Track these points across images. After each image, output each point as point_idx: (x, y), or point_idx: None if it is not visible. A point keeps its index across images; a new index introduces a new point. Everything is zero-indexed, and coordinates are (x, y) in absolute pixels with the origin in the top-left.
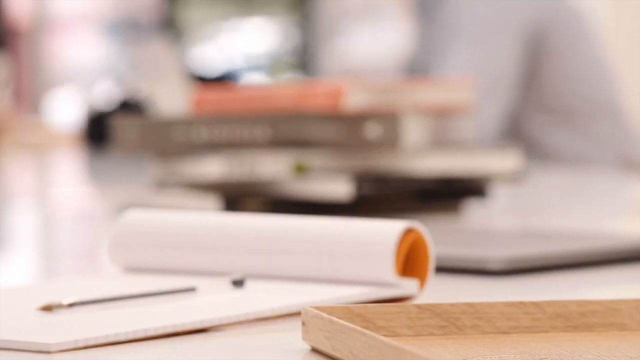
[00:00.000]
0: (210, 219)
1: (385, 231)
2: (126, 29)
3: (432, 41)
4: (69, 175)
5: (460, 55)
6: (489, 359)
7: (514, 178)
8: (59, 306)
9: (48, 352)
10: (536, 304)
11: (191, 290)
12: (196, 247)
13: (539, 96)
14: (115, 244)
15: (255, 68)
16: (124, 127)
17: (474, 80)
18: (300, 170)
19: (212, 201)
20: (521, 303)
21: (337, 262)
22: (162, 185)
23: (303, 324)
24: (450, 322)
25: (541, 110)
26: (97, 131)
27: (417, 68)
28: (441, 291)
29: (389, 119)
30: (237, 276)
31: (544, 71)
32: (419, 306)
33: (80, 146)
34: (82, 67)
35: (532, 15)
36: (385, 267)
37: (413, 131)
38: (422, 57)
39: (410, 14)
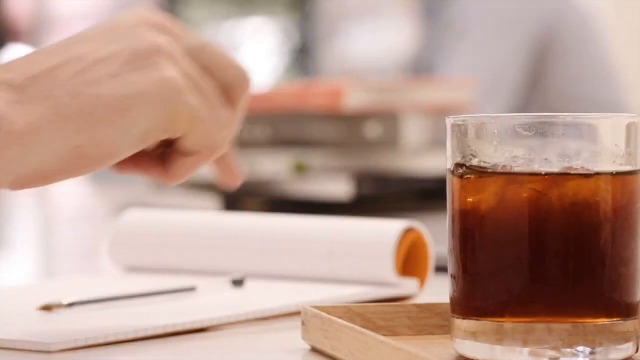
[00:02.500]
0: (210, 219)
1: (385, 231)
2: None
3: (437, 41)
4: None
5: (465, 56)
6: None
7: None
8: (59, 306)
9: (48, 352)
10: None
11: (191, 290)
12: (196, 247)
13: (543, 97)
14: (116, 244)
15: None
16: None
17: (477, 80)
18: (300, 170)
19: (212, 201)
20: None
21: (337, 261)
22: (162, 185)
23: (303, 323)
24: (450, 321)
25: (545, 112)
26: None
27: (421, 68)
28: (441, 291)
29: (389, 119)
30: (237, 276)
31: (549, 73)
32: (419, 306)
33: None
34: None
35: (539, 18)
36: (385, 267)
37: (413, 131)
38: (427, 57)
39: (415, 14)
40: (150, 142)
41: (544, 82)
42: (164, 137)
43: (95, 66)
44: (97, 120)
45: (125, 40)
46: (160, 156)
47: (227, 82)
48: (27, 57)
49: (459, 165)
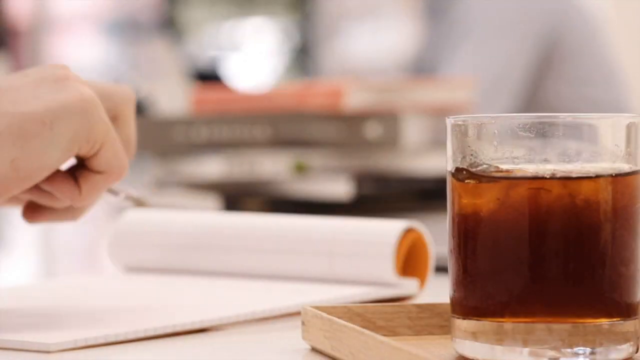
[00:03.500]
0: (211, 218)
1: (385, 231)
2: (126, 29)
3: (440, 40)
4: None
5: (468, 55)
6: None
7: None
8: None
9: (48, 352)
10: None
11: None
12: (196, 246)
13: (545, 98)
14: (115, 244)
15: (257, 68)
16: None
17: (478, 80)
18: (300, 170)
19: (212, 201)
20: None
21: (337, 261)
22: (162, 185)
23: (303, 323)
24: (450, 321)
25: (547, 112)
26: None
27: (424, 67)
28: (441, 291)
29: (389, 119)
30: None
31: (553, 74)
32: (418, 306)
33: None
34: (82, 66)
35: (543, 19)
36: (385, 267)
37: (413, 131)
38: (430, 57)
39: (418, 13)
40: (75, 151)
41: (546, 82)
42: (86, 147)
43: (18, 89)
44: (27, 133)
45: (43, 72)
46: (74, 176)
47: (115, 103)
48: None
49: (459, 170)
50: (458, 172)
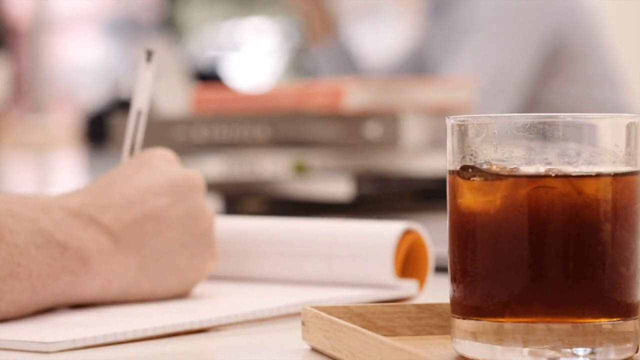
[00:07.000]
0: None
1: (384, 233)
2: (126, 29)
3: (443, 39)
4: (68, 175)
5: (471, 54)
6: None
7: None
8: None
9: (47, 352)
10: None
11: None
12: None
13: (549, 98)
14: None
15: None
16: (123, 126)
17: (481, 79)
18: (300, 170)
19: (212, 201)
20: None
21: (337, 264)
22: None
23: (303, 323)
24: (449, 321)
25: (551, 112)
26: (97, 131)
27: (426, 66)
28: (441, 291)
29: (389, 118)
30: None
31: (557, 74)
32: (418, 306)
33: (80, 146)
34: (82, 66)
35: (549, 19)
36: (384, 269)
37: (413, 131)
38: (432, 55)
39: (420, 12)
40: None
41: (551, 82)
42: None
43: (169, 230)
44: (168, 285)
45: (185, 205)
46: None
47: None
48: (112, 195)
49: (466, 167)
50: (464, 170)
